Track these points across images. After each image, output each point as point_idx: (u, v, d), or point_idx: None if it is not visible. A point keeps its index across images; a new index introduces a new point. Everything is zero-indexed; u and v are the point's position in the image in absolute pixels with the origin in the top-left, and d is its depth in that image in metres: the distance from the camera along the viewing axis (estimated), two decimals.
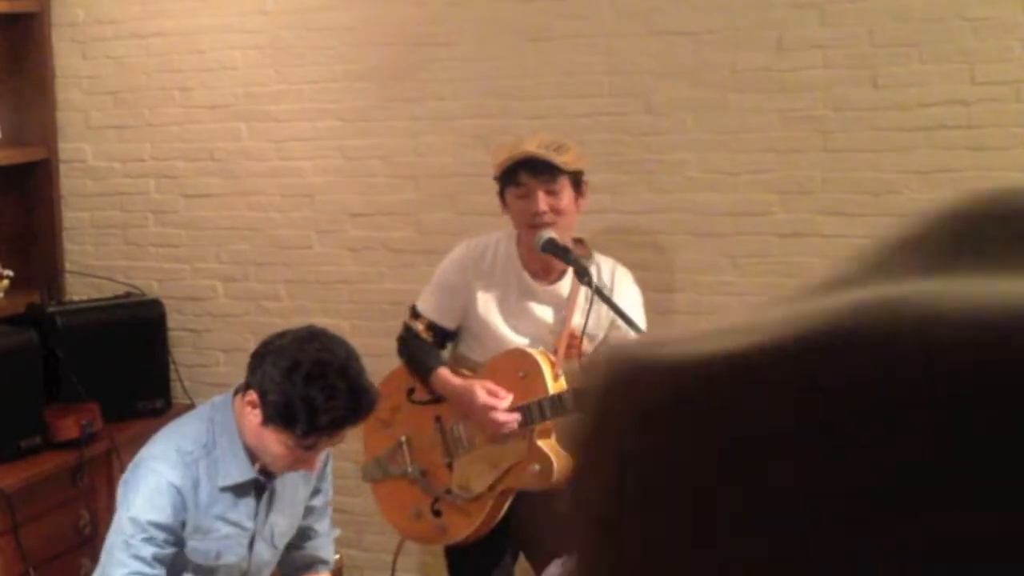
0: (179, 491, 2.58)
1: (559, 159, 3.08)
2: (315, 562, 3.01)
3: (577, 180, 3.14)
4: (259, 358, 2.60)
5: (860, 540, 0.33)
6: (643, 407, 0.39)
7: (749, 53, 3.76)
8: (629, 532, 0.38)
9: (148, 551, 2.53)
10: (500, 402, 3.11)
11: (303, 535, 2.95)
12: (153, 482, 2.57)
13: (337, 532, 3.07)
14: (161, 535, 2.55)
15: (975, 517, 0.32)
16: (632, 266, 3.67)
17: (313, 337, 2.62)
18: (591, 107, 3.95)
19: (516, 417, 3.10)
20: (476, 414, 3.14)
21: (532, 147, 3.09)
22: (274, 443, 2.56)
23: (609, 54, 3.91)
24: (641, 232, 3.93)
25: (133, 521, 2.54)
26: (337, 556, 3.13)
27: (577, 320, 3.16)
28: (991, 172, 3.56)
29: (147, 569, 2.53)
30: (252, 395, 2.58)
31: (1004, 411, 0.33)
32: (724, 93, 3.80)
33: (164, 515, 2.55)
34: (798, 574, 0.35)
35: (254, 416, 2.57)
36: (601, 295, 2.92)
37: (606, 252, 3.51)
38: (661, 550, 0.38)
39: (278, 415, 2.53)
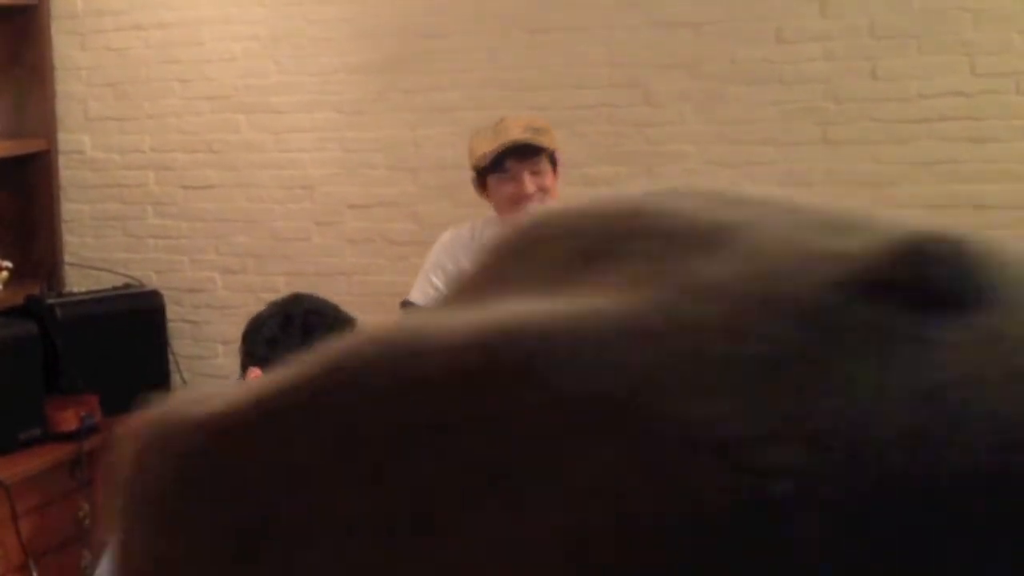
0: None
1: (542, 141, 3.15)
2: None
3: (554, 159, 3.21)
4: (250, 334, 2.56)
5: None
6: (173, 473, 0.37)
7: (749, 45, 3.75)
8: None
9: None
10: None
11: None
12: None
13: None
14: None
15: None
16: None
17: (297, 298, 2.60)
18: (590, 99, 3.95)
19: None
20: None
21: (517, 133, 3.15)
22: None
23: (608, 45, 3.91)
24: None
25: None
26: None
27: None
28: (992, 164, 3.55)
29: None
30: (254, 371, 2.52)
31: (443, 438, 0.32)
32: (724, 85, 3.79)
33: None
34: None
35: None
36: None
37: None
38: None
39: None
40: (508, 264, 0.38)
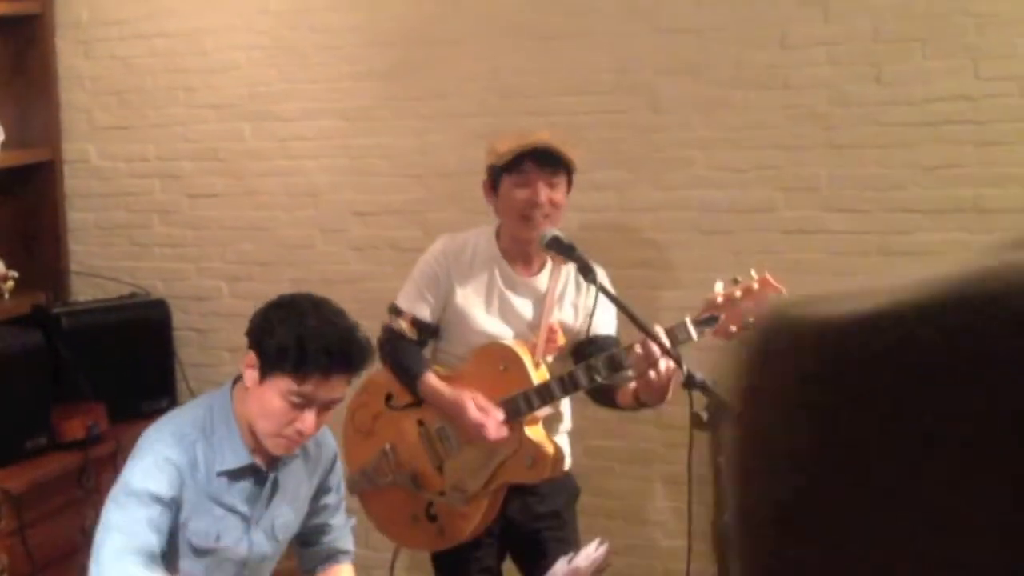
0: (176, 467, 2.60)
1: (566, 152, 3.09)
2: (336, 553, 3.03)
3: (571, 178, 3.15)
4: (252, 324, 2.69)
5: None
6: (805, 368, 0.40)
7: (753, 50, 3.75)
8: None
9: (141, 513, 2.54)
10: (490, 420, 3.10)
11: (320, 531, 2.96)
12: (151, 458, 2.61)
13: (353, 521, 3.07)
14: (157, 505, 2.57)
15: None
16: (638, 263, 3.68)
17: (297, 294, 2.74)
18: (596, 105, 3.95)
19: (505, 432, 3.11)
20: (467, 430, 3.13)
21: (543, 138, 3.10)
22: (273, 397, 2.58)
23: (614, 51, 3.91)
24: (647, 229, 3.93)
25: (127, 488, 2.57)
26: None
27: (556, 315, 3.17)
28: (996, 167, 3.55)
29: (139, 529, 2.53)
30: (249, 356, 2.64)
31: None
32: (729, 90, 3.80)
33: (160, 485, 2.57)
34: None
35: (252, 378, 2.60)
36: (606, 292, 2.91)
37: (612, 250, 3.51)
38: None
39: (271, 357, 2.57)
40: None
